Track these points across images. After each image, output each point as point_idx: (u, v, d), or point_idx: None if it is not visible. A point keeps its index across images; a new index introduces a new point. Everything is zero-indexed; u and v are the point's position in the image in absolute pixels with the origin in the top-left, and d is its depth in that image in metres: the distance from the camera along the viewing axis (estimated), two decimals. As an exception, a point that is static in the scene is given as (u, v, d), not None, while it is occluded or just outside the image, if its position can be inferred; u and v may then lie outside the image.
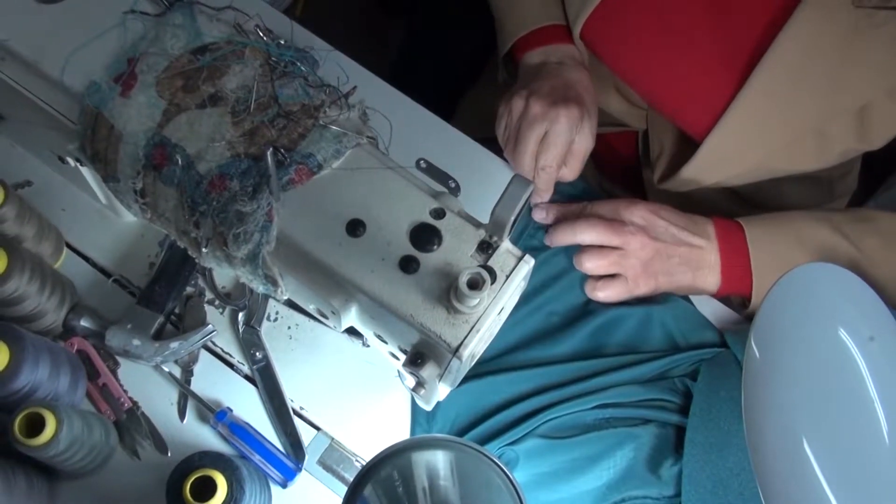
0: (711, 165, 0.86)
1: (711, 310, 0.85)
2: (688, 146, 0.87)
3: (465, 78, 1.25)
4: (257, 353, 0.79)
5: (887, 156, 0.89)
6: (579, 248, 0.82)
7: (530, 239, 0.86)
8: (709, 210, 1.01)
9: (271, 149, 0.52)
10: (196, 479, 0.63)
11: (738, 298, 0.85)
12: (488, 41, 1.31)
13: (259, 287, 0.61)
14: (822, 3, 0.71)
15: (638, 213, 0.81)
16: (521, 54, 0.90)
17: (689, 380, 0.78)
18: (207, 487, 0.63)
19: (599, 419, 0.77)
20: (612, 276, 0.82)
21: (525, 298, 0.83)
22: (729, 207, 1.02)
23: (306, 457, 0.76)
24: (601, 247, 0.81)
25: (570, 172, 0.83)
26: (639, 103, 0.96)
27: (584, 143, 0.82)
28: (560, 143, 0.80)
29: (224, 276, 0.82)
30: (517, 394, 0.78)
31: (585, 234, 0.81)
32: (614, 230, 0.80)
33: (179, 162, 0.57)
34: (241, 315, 0.80)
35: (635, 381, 0.77)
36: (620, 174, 1.10)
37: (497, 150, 0.92)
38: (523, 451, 0.75)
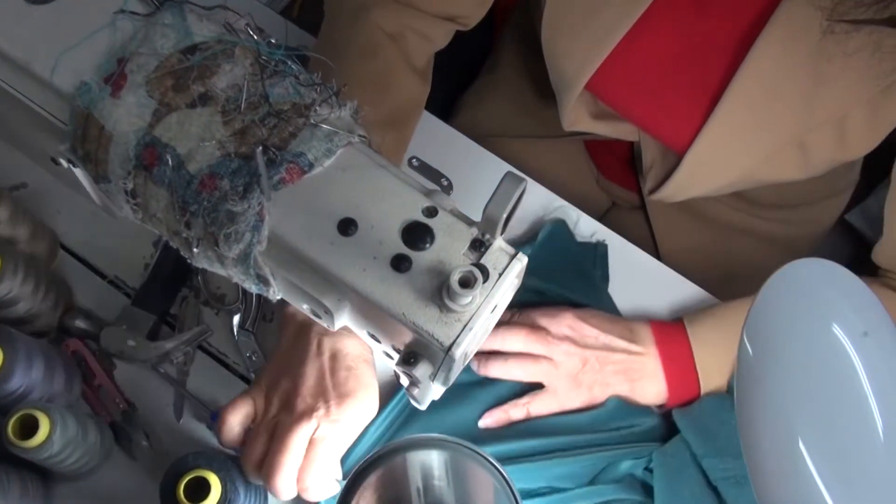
0: (695, 178, 0.86)
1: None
2: (677, 159, 0.87)
3: (462, 76, 1.25)
4: (253, 356, 0.79)
5: (890, 148, 0.88)
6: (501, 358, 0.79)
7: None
8: (707, 210, 1.01)
9: (260, 147, 0.52)
10: (190, 479, 0.63)
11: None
12: (486, 39, 1.32)
13: (251, 287, 0.61)
14: (790, 22, 0.70)
15: (565, 323, 0.78)
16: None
17: (647, 472, 0.76)
18: (201, 488, 0.63)
19: None
20: (541, 389, 0.79)
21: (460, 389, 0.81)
22: (727, 207, 1.02)
23: (304, 457, 0.75)
24: (529, 354, 0.78)
25: None
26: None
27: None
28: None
29: (219, 276, 0.82)
30: None
31: (510, 342, 0.78)
32: (539, 338, 0.77)
33: (170, 162, 0.57)
34: (235, 318, 0.80)
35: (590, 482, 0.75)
36: (617, 175, 1.10)
37: (492, 147, 0.91)
38: None
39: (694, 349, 0.76)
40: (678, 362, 0.77)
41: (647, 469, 0.76)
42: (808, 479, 0.46)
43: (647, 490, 0.75)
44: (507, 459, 0.76)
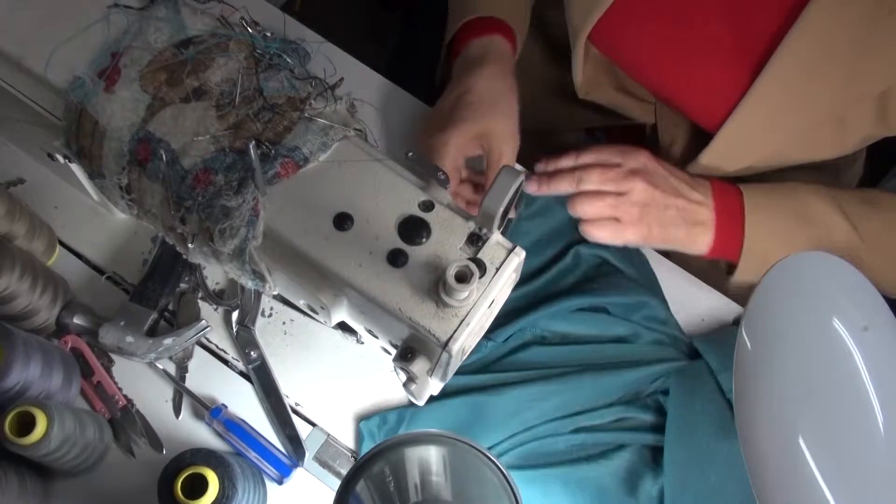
0: (725, 156, 0.84)
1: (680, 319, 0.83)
2: (700, 137, 0.85)
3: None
4: (252, 353, 0.78)
5: (894, 142, 0.87)
6: (572, 194, 0.79)
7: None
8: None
9: (253, 142, 0.51)
10: (187, 476, 0.63)
11: (725, 264, 0.83)
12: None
13: (248, 282, 0.61)
14: None
15: (640, 159, 0.78)
16: (455, 55, 0.87)
17: (661, 395, 0.76)
18: (199, 485, 0.63)
19: (573, 445, 0.75)
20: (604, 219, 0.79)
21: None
22: None
23: (306, 454, 0.75)
24: (597, 192, 0.78)
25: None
26: (646, 97, 0.94)
27: (499, 150, 0.78)
28: (448, 168, 0.76)
29: (217, 272, 0.82)
30: (492, 415, 0.76)
31: (584, 184, 0.78)
32: (614, 175, 0.77)
33: (164, 157, 0.56)
34: (234, 314, 0.79)
35: (606, 403, 0.75)
36: None
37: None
38: None
39: (746, 210, 0.78)
40: (730, 219, 0.78)
41: (663, 392, 0.77)
42: (807, 475, 0.45)
43: (660, 411, 0.76)
44: (518, 384, 0.76)
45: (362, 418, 0.77)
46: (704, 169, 0.86)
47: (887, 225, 0.77)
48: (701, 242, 0.79)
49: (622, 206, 0.77)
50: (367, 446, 0.76)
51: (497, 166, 0.77)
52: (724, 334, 0.79)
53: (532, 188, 0.81)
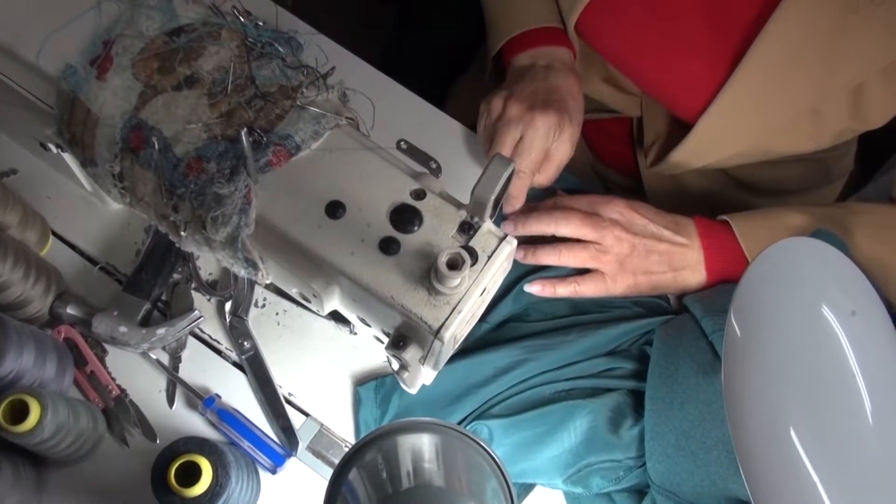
0: (703, 147, 0.85)
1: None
2: (685, 130, 0.86)
3: (455, 64, 1.24)
4: (245, 343, 0.78)
5: (886, 137, 0.88)
6: (551, 242, 0.79)
7: None
8: (703, 194, 1.00)
9: (245, 129, 0.51)
10: (181, 464, 0.63)
11: None
12: (479, 27, 1.31)
13: (240, 271, 0.61)
14: None
15: (616, 209, 0.79)
16: (511, 56, 0.88)
17: (646, 346, 0.78)
18: (193, 473, 0.63)
19: (560, 391, 0.77)
20: (588, 272, 0.79)
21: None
22: (723, 191, 1.01)
23: (300, 443, 0.75)
24: (577, 240, 0.79)
25: (545, 178, 0.81)
26: (632, 90, 0.95)
27: (561, 151, 0.80)
28: (535, 149, 0.78)
29: (210, 263, 0.82)
30: (474, 382, 0.77)
31: (562, 226, 0.78)
32: (592, 223, 0.78)
33: (156, 145, 0.56)
34: (227, 305, 0.80)
35: (592, 356, 0.76)
36: (615, 158, 1.09)
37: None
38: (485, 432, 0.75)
39: (740, 238, 0.78)
40: (723, 254, 0.79)
41: (648, 343, 0.78)
42: (796, 460, 0.45)
43: (644, 361, 0.76)
44: (510, 343, 0.78)
45: (358, 384, 0.78)
46: (683, 159, 0.87)
47: (873, 231, 0.77)
48: (692, 284, 0.80)
49: (601, 258, 0.78)
50: (365, 410, 0.77)
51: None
52: (713, 290, 0.80)
53: (509, 228, 0.80)
